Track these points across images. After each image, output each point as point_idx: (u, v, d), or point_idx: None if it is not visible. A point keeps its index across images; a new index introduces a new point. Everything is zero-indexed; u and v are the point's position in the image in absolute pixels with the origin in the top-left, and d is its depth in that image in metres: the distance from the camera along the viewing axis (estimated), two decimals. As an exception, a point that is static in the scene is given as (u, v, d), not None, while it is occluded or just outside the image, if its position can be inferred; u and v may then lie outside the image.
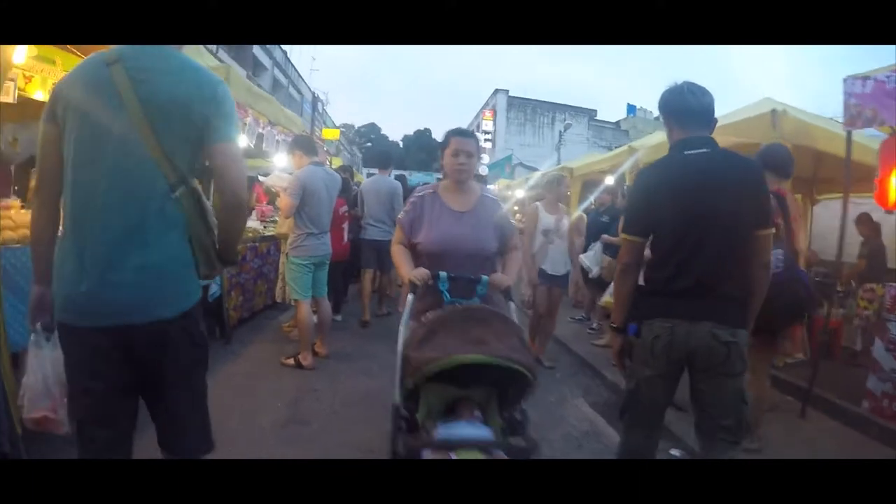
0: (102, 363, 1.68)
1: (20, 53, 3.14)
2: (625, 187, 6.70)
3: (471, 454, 1.92)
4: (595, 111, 41.78)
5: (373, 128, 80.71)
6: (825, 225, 7.38)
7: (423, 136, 75.07)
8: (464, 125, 49.06)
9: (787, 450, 3.67)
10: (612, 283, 4.76)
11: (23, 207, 3.59)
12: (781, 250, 3.20)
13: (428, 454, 2.00)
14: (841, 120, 4.43)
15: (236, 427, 3.45)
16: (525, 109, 40.38)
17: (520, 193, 14.27)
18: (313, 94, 31.19)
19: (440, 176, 5.93)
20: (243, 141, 5.92)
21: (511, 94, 40.40)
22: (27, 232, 3.06)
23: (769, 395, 3.77)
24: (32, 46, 3.53)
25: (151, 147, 1.63)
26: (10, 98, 3.44)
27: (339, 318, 6.50)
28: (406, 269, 2.69)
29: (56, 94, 1.71)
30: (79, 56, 3.91)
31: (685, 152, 2.27)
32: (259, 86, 12.03)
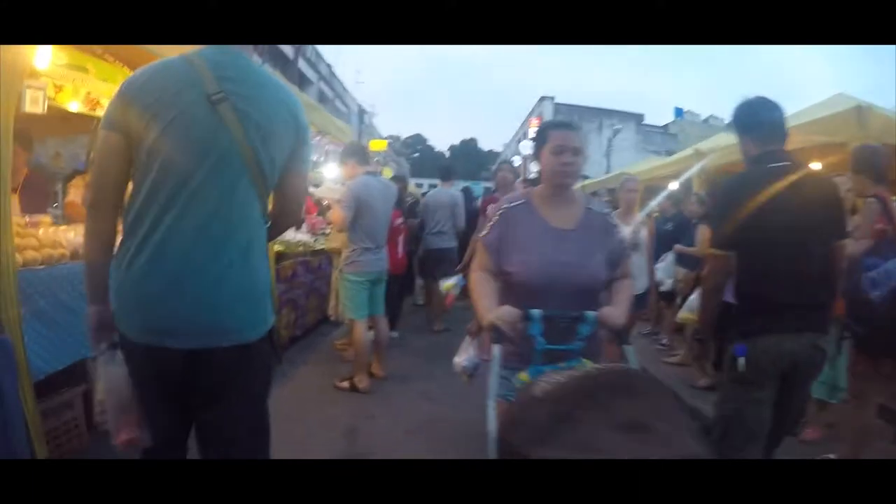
0: (176, 385, 1.65)
1: (43, 58, 2.92)
2: (698, 194, 6.26)
3: None
4: (642, 115, 40.78)
5: (419, 138, 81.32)
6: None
7: (470, 145, 75.22)
8: (510, 134, 48.56)
9: None
10: (696, 298, 4.43)
11: (53, 224, 3.40)
12: None
13: None
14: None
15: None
16: (571, 116, 39.11)
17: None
18: (359, 106, 31.37)
19: (488, 185, 6.02)
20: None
21: (557, 100, 39.89)
22: (52, 252, 2.91)
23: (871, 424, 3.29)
24: (61, 54, 3.35)
25: (255, 175, 1.64)
26: (38, 108, 3.22)
27: (395, 334, 6.18)
28: (487, 306, 2.02)
29: (128, 104, 1.56)
30: (113, 63, 3.73)
31: (769, 165, 2.31)
32: (307, 98, 11.94)
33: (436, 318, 6.92)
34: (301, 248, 5.98)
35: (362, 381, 4.55)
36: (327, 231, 6.55)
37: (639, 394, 1.58)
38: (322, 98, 24.24)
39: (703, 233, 5.82)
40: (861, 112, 4.13)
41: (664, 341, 6.61)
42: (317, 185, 6.41)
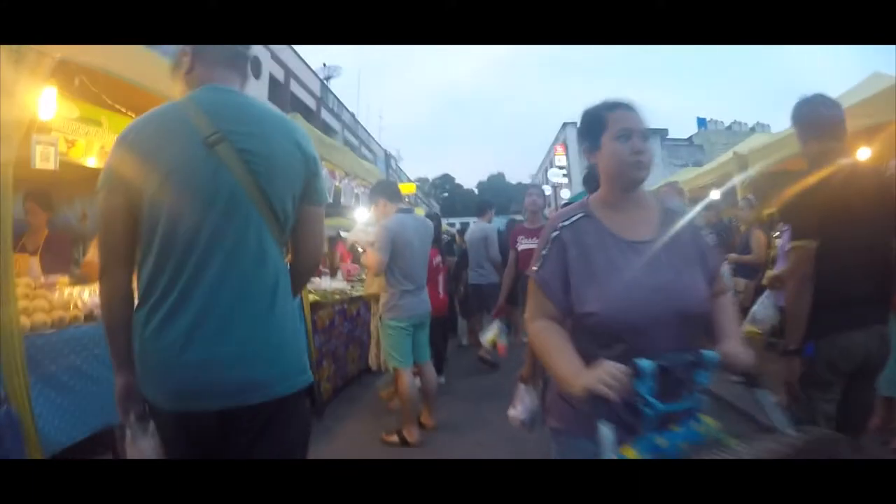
0: (208, 449, 1.53)
1: (47, 109, 2.77)
2: (747, 198, 5.90)
3: None
4: (666, 130, 40.52)
5: (447, 178, 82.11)
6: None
7: (497, 180, 75.59)
8: (536, 163, 48.71)
9: None
10: (759, 309, 4.06)
11: (70, 285, 3.24)
12: None
13: None
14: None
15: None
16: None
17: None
18: (385, 151, 31.70)
19: (517, 217, 5.63)
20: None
21: (580, 125, 39.76)
22: (64, 314, 2.73)
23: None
24: (73, 106, 3.22)
25: (267, 216, 1.56)
26: (49, 164, 3.09)
27: (442, 379, 5.84)
28: (572, 370, 1.47)
29: (123, 160, 1.51)
30: (126, 115, 3.58)
31: (835, 161, 2.29)
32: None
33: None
34: (338, 297, 5.76)
35: (412, 434, 4.22)
36: (363, 277, 6.34)
37: None
38: (348, 146, 24.49)
39: (758, 237, 5.45)
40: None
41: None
42: (347, 230, 6.22)
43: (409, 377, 4.22)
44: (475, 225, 7.35)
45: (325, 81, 22.81)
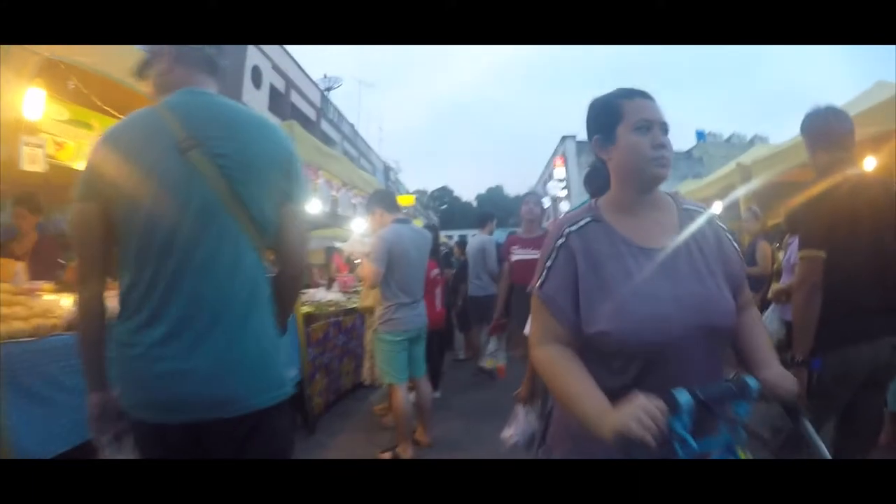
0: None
1: (34, 110, 2.68)
2: (752, 209, 5.82)
3: None
4: (665, 144, 40.77)
5: (445, 191, 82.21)
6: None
7: (496, 192, 75.64)
8: (535, 176, 48.72)
9: None
10: (764, 321, 3.99)
11: (55, 292, 3.14)
12: None
13: None
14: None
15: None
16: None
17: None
18: (384, 163, 31.71)
19: (517, 230, 5.31)
20: (315, 206, 5.47)
21: (578, 138, 39.89)
22: (43, 322, 2.61)
23: None
24: (62, 108, 3.13)
25: (244, 222, 1.51)
26: (37, 166, 3.02)
27: (438, 394, 5.71)
28: (595, 405, 1.25)
29: (97, 170, 1.50)
30: (118, 118, 3.44)
31: (845, 172, 2.31)
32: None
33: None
34: (332, 309, 5.64)
35: (406, 451, 4.09)
36: (359, 288, 6.23)
37: None
38: (347, 157, 24.46)
39: (764, 249, 5.36)
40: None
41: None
42: (344, 241, 6.12)
43: (403, 393, 4.09)
44: (475, 237, 7.33)
45: (325, 92, 22.84)
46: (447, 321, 6.48)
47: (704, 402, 1.19)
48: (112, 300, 1.56)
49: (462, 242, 10.31)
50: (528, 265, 4.51)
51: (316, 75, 22.01)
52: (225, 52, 1.71)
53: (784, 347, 3.84)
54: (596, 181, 1.61)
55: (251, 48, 15.08)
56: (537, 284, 1.46)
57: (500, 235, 8.18)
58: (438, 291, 5.60)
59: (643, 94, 1.45)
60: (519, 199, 4.94)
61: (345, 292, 6.72)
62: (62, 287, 3.26)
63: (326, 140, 22.29)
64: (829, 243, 2.23)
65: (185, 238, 1.46)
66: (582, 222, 1.47)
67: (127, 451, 1.55)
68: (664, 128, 1.41)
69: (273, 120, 5.46)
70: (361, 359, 5.68)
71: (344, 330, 5.81)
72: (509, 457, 2.70)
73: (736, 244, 1.51)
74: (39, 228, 4.21)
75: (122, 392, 1.51)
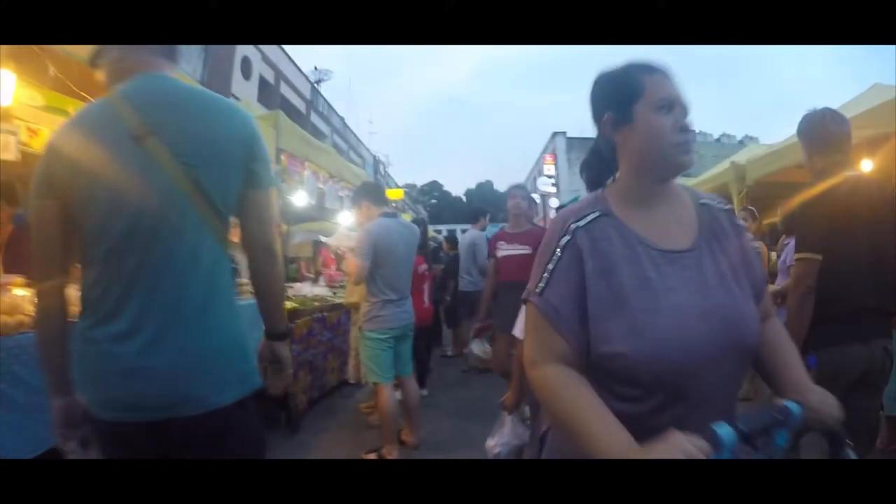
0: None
1: (4, 94, 2.54)
2: (748, 209, 5.77)
3: None
4: (656, 143, 41.02)
5: (435, 185, 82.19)
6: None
7: (486, 188, 75.60)
8: (524, 172, 48.83)
9: None
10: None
11: (26, 286, 3.01)
12: None
13: None
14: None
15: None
16: (585, 149, 38.00)
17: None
18: (374, 156, 31.52)
19: (505, 225, 4.88)
20: (301, 198, 5.34)
21: (569, 135, 39.90)
22: (7, 319, 2.53)
23: None
24: (36, 94, 2.99)
25: (203, 209, 1.45)
26: (10, 155, 2.88)
27: (425, 392, 5.63)
28: (623, 446, 1.05)
29: (52, 165, 1.46)
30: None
31: (841, 174, 2.32)
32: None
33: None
34: (317, 304, 5.52)
35: (392, 452, 3.98)
36: (346, 284, 6.12)
37: None
38: (337, 150, 24.29)
39: (760, 250, 5.30)
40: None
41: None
42: (330, 235, 6.00)
43: (389, 393, 3.98)
44: (467, 233, 7.35)
45: (315, 85, 22.60)
46: (435, 317, 6.39)
47: (748, 436, 1.05)
48: (74, 298, 1.51)
49: (451, 237, 10.22)
50: (515, 261, 4.35)
51: (306, 67, 21.79)
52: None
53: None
54: (596, 169, 1.38)
55: (241, 38, 14.85)
56: (536, 291, 1.21)
57: (493, 231, 8.11)
58: (426, 287, 5.49)
59: (663, 70, 1.25)
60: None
61: (331, 287, 6.61)
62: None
63: (316, 133, 22.10)
64: (825, 245, 2.24)
65: (143, 231, 1.41)
66: (590, 217, 1.23)
67: (94, 458, 1.51)
68: (685, 111, 1.23)
69: (262, 112, 5.33)
70: (347, 355, 5.60)
71: (329, 326, 5.68)
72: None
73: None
74: (16, 220, 4.05)
75: (84, 390, 1.47)
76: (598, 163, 1.37)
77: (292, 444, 4.35)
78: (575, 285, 1.17)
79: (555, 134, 40.56)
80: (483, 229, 7.11)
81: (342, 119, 26.64)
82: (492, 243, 4.74)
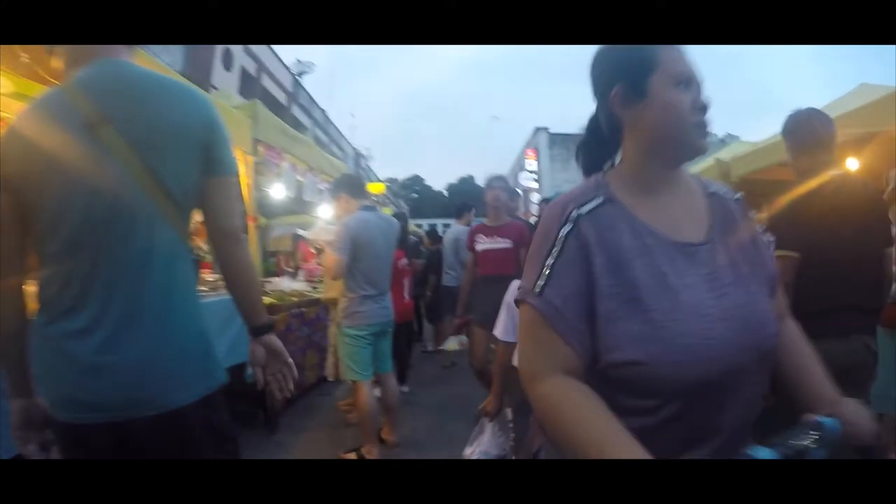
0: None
1: None
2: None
3: None
4: (641, 138, 41.17)
5: (416, 180, 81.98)
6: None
7: (468, 182, 75.59)
8: (507, 167, 48.86)
9: None
10: None
11: None
12: None
13: None
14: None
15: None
16: (567, 145, 39.27)
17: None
18: (355, 150, 31.32)
19: (484, 220, 4.58)
20: (279, 191, 5.21)
21: (552, 130, 39.95)
22: None
23: None
24: (5, 81, 2.84)
25: (160, 200, 1.40)
26: None
27: (405, 388, 5.56)
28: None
29: (4, 157, 1.39)
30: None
31: (826, 173, 2.33)
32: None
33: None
34: (295, 299, 5.39)
35: (371, 451, 3.88)
36: (324, 278, 6.00)
37: None
38: (318, 144, 24.08)
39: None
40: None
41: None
42: (308, 228, 5.88)
43: (368, 391, 3.88)
44: (451, 228, 7.24)
45: (297, 77, 22.33)
46: (416, 313, 6.28)
47: (786, 458, 0.96)
48: (33, 294, 1.46)
49: (431, 232, 10.14)
50: (495, 255, 4.28)
51: (288, 60, 21.50)
52: None
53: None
54: (596, 152, 1.22)
55: (220, 28, 14.55)
56: (535, 290, 1.03)
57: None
58: (406, 282, 5.42)
59: (679, 49, 1.14)
60: (490, 189, 4.48)
61: (311, 282, 6.49)
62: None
63: (297, 125, 21.85)
64: (804, 244, 2.26)
65: (98, 224, 1.37)
66: (593, 203, 1.06)
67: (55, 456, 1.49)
68: (700, 88, 1.11)
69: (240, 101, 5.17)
70: (325, 352, 5.47)
71: (307, 321, 5.54)
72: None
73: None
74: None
75: (43, 389, 1.45)
76: (597, 144, 1.22)
77: (270, 444, 4.26)
78: (580, 282, 1.01)
79: (537, 129, 40.64)
80: (468, 224, 6.97)
81: (324, 112, 26.38)
82: (470, 237, 4.63)
